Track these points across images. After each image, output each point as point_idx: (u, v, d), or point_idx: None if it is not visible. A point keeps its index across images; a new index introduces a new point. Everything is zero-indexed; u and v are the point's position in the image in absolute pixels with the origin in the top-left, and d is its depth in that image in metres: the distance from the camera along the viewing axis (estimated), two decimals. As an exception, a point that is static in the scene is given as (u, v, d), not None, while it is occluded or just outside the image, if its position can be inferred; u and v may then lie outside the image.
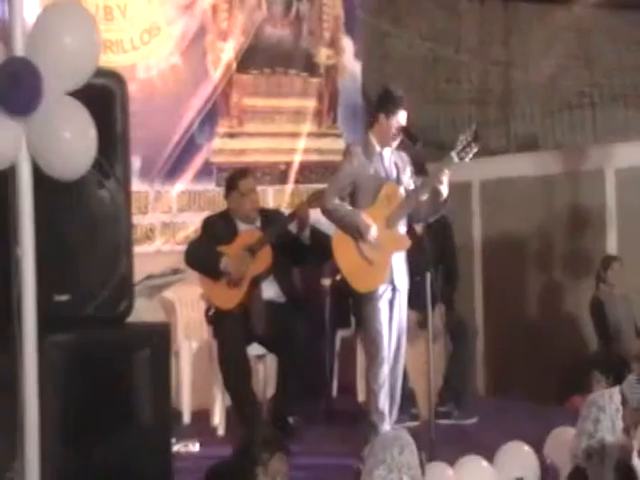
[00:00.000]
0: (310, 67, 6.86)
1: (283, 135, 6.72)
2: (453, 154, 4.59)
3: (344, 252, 4.68)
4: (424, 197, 4.68)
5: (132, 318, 3.32)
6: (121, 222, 3.25)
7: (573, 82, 9.08)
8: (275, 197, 6.59)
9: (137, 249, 3.63)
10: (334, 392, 6.13)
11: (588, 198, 6.52)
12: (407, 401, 5.29)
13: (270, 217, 5.31)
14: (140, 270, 3.69)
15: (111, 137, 3.17)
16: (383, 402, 4.67)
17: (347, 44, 7.02)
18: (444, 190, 4.62)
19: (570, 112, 8.25)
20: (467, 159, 4.60)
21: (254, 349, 5.18)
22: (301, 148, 6.77)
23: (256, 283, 5.10)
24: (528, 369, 6.52)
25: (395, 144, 4.77)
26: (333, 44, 6.96)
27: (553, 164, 6.77)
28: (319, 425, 5.41)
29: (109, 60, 5.68)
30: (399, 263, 4.76)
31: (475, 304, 6.99)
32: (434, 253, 4.82)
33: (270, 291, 5.19)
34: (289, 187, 6.68)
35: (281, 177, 6.68)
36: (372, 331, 4.69)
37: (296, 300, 5.34)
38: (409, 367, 5.37)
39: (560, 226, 6.68)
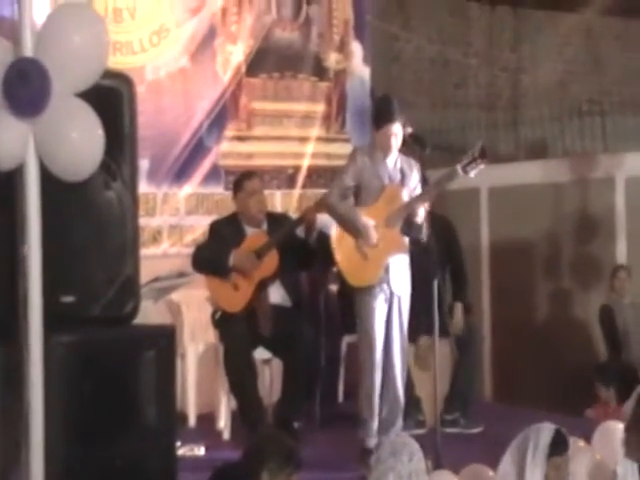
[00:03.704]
0: (319, 71, 6.85)
1: (291, 139, 6.71)
2: (458, 167, 4.57)
3: (342, 245, 4.72)
4: (425, 204, 4.69)
5: (138, 320, 3.30)
6: (127, 224, 3.23)
7: (582, 88, 9.07)
8: (283, 201, 6.57)
9: (144, 251, 3.63)
10: (339, 397, 6.13)
11: (598, 206, 6.49)
12: (413, 408, 5.28)
13: (277, 221, 5.30)
14: (147, 272, 3.69)
15: (119, 138, 3.15)
16: (374, 405, 4.66)
17: (356, 48, 7.01)
18: (419, 220, 4.64)
19: (580, 119, 8.22)
20: (472, 174, 4.57)
21: (260, 353, 5.16)
22: (309, 152, 6.75)
23: (263, 287, 5.09)
24: (535, 376, 6.49)
25: (395, 151, 4.77)
26: (342, 48, 6.95)
27: (562, 172, 6.75)
28: (324, 430, 5.38)
29: (118, 62, 5.67)
30: (399, 268, 4.74)
31: (482, 310, 6.96)
32: (440, 255, 4.82)
33: (276, 295, 5.18)
34: (297, 191, 6.66)
35: (289, 181, 6.66)
36: (363, 331, 4.69)
37: (302, 305, 5.32)
38: (414, 374, 5.36)
39: (569, 233, 6.65)
